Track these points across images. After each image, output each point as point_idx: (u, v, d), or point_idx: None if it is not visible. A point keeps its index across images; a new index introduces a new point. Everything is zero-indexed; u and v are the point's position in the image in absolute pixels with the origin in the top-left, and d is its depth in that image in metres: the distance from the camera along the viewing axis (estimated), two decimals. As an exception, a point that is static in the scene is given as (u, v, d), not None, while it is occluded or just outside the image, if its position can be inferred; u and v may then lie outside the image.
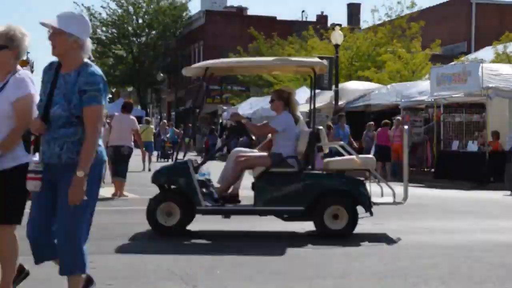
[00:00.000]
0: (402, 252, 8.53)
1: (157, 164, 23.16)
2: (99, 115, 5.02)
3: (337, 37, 31.13)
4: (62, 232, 5.16)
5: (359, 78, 34.13)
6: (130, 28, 62.91)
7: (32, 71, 16.74)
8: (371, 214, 9.76)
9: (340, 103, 29.51)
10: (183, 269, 7.25)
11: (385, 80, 31.43)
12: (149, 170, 22.45)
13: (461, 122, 23.08)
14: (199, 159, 11.08)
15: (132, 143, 15.47)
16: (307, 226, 10.80)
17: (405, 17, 35.62)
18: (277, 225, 10.89)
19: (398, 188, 10.54)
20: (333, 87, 30.19)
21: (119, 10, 62.22)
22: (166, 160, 32.17)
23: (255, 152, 10.43)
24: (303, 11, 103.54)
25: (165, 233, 9.66)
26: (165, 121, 42.56)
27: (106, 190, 16.77)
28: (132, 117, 15.73)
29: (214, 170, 10.65)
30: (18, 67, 5.59)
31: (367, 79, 32.82)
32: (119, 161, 15.07)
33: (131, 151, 15.37)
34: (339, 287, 6.72)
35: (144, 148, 18.19)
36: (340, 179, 10.04)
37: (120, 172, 15.14)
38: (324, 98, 31.88)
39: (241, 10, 62.96)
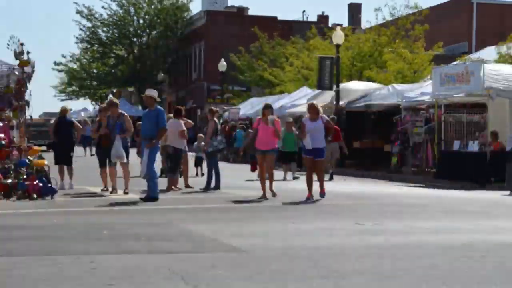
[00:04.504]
0: (402, 252, 8.53)
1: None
2: None
3: (338, 37, 31.14)
4: None
5: (361, 79, 34.12)
6: (131, 29, 62.93)
7: (33, 71, 16.74)
8: None
9: (341, 103, 29.53)
10: (183, 269, 7.25)
11: (388, 80, 31.44)
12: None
13: (462, 122, 23.08)
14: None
15: (182, 144, 17.50)
16: (308, 225, 10.81)
17: (410, 19, 35.59)
18: (277, 225, 10.90)
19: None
20: (334, 87, 30.20)
21: (120, 11, 62.23)
22: None
23: None
24: (303, 11, 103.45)
25: None
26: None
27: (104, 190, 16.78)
28: (181, 121, 17.64)
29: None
30: None
31: (370, 79, 32.80)
32: (168, 159, 17.19)
33: (176, 151, 17.31)
34: (339, 287, 6.72)
35: None
36: None
37: (171, 169, 17.41)
38: (325, 98, 31.89)
39: (241, 10, 62.96)
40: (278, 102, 37.12)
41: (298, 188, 19.24)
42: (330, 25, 48.97)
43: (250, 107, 41.97)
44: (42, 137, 44.63)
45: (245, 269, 7.40)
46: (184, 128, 17.76)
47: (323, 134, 15.01)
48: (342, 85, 30.40)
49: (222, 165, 18.75)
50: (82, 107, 78.90)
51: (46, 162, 15.60)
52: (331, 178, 22.00)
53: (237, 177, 22.63)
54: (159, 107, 15.35)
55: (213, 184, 17.58)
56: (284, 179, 22.30)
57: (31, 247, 8.58)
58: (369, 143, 28.22)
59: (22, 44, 15.66)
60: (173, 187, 17.25)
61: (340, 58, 32.00)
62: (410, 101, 24.99)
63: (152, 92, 15.59)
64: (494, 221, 11.94)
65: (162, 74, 60.13)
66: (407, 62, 32.99)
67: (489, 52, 29.75)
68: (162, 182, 16.42)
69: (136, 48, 64.02)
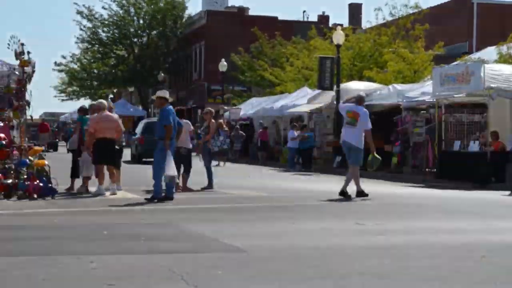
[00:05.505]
0: (402, 252, 8.53)
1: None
2: None
3: (338, 37, 31.15)
4: None
5: (361, 79, 34.14)
6: (131, 29, 62.97)
7: (33, 71, 16.71)
8: None
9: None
10: (184, 269, 7.25)
11: (388, 80, 31.45)
12: None
13: (462, 122, 23.08)
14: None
15: (190, 144, 17.36)
16: (308, 225, 10.82)
17: (410, 18, 35.61)
18: (277, 225, 10.91)
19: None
20: (335, 87, 30.20)
21: (120, 11, 62.28)
22: None
23: None
24: (304, 11, 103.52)
25: None
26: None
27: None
28: (185, 120, 17.47)
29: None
30: None
31: (370, 79, 32.81)
32: (181, 160, 16.59)
33: (189, 151, 17.14)
34: (339, 287, 6.72)
35: None
36: None
37: (185, 169, 17.06)
38: (326, 98, 31.92)
39: (242, 10, 62.98)
40: (279, 102, 37.17)
41: (298, 188, 19.25)
42: (330, 25, 48.99)
43: (250, 107, 41.99)
44: (44, 137, 44.81)
45: (245, 269, 7.40)
46: (192, 128, 17.99)
47: None
48: (342, 85, 30.41)
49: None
50: (83, 107, 78.89)
51: (46, 162, 15.61)
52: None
53: (237, 177, 22.68)
54: (166, 106, 14.97)
55: (205, 183, 17.87)
56: None
57: (31, 247, 8.58)
58: (370, 143, 28.19)
59: (22, 44, 15.64)
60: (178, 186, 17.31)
61: (341, 58, 32.00)
62: (410, 101, 24.98)
63: (160, 93, 15.56)
64: (494, 221, 11.94)
65: (162, 74, 60.15)
66: (407, 62, 32.99)
67: (490, 52, 29.74)
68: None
69: (137, 48, 64.06)
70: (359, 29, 42.73)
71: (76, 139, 16.86)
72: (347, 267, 7.53)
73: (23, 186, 14.60)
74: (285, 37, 49.80)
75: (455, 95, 22.34)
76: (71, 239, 9.22)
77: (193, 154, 20.37)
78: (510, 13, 42.87)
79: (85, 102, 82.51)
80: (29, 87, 16.23)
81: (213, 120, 18.49)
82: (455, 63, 27.66)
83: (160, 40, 63.03)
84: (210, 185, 17.76)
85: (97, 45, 64.11)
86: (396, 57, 33.40)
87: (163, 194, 14.60)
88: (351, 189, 15.43)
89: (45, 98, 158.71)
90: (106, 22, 62.56)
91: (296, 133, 30.52)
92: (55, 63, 67.11)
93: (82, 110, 17.46)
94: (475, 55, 31.52)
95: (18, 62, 15.91)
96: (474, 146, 21.68)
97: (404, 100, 25.20)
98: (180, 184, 17.35)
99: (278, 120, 36.98)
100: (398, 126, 25.61)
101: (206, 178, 17.95)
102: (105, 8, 62.29)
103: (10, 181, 14.67)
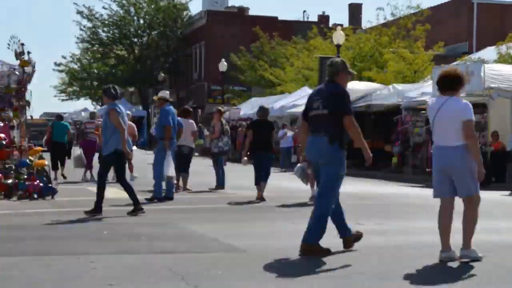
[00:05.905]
0: (402, 252, 8.53)
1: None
2: None
3: (338, 37, 31.17)
4: None
5: (361, 79, 34.14)
6: (131, 29, 62.95)
7: (33, 71, 16.72)
8: None
9: (341, 103, 29.48)
10: (184, 269, 7.25)
11: (388, 80, 31.45)
12: None
13: (462, 122, 23.06)
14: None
15: (193, 144, 17.68)
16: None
17: (412, 19, 35.62)
18: (277, 225, 10.91)
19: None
20: (335, 87, 30.14)
21: (121, 11, 62.25)
22: None
23: None
24: (304, 11, 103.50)
25: None
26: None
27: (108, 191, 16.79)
28: (191, 121, 17.78)
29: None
30: None
31: (370, 79, 32.81)
32: (182, 159, 16.58)
33: (191, 150, 17.36)
34: (339, 287, 6.73)
35: None
36: None
37: (184, 168, 16.95)
38: (326, 98, 31.84)
39: (242, 10, 62.96)
40: (279, 102, 37.16)
41: (298, 188, 19.24)
42: (330, 25, 49.00)
43: (250, 107, 41.96)
44: (43, 137, 44.95)
45: (245, 269, 7.40)
46: (196, 128, 18.04)
47: None
48: (342, 85, 30.37)
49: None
50: (83, 107, 79.01)
51: (46, 162, 15.62)
52: None
53: (237, 177, 22.62)
54: (165, 107, 15.13)
55: (213, 184, 17.78)
56: None
57: (31, 247, 8.58)
58: (369, 143, 28.19)
59: (22, 44, 15.66)
60: (187, 187, 17.33)
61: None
62: (410, 101, 24.99)
63: (160, 93, 15.69)
64: (494, 221, 11.93)
65: (162, 74, 60.14)
66: (407, 62, 33.00)
67: (490, 52, 29.75)
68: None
69: (137, 48, 64.02)
70: (359, 29, 42.71)
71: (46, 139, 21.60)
72: (347, 267, 7.53)
73: (23, 186, 14.60)
74: (285, 37, 49.79)
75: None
76: (71, 239, 9.22)
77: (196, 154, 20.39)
78: (510, 13, 42.87)
79: (85, 102, 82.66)
80: (29, 87, 16.25)
81: (223, 120, 18.46)
82: (455, 63, 27.66)
83: (160, 40, 63.00)
84: (218, 185, 17.80)
85: (97, 45, 64.05)
86: (396, 57, 33.40)
87: (163, 194, 14.62)
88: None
89: (45, 98, 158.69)
90: (106, 22, 62.50)
91: (288, 133, 30.33)
92: (55, 63, 67.15)
93: (57, 117, 22.14)
94: (475, 55, 31.52)
95: (18, 62, 15.92)
96: (474, 146, 21.63)
97: (404, 100, 25.20)
98: (180, 184, 17.35)
99: (278, 121, 36.96)
100: (398, 126, 25.61)
101: (214, 179, 18.05)
102: (105, 8, 62.27)
103: (10, 181, 14.68)
